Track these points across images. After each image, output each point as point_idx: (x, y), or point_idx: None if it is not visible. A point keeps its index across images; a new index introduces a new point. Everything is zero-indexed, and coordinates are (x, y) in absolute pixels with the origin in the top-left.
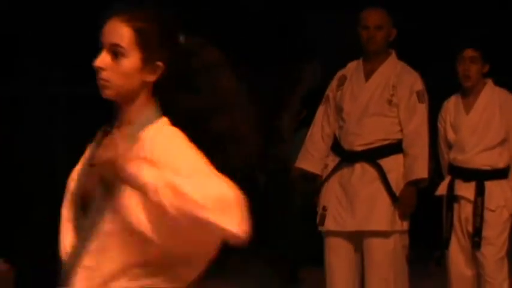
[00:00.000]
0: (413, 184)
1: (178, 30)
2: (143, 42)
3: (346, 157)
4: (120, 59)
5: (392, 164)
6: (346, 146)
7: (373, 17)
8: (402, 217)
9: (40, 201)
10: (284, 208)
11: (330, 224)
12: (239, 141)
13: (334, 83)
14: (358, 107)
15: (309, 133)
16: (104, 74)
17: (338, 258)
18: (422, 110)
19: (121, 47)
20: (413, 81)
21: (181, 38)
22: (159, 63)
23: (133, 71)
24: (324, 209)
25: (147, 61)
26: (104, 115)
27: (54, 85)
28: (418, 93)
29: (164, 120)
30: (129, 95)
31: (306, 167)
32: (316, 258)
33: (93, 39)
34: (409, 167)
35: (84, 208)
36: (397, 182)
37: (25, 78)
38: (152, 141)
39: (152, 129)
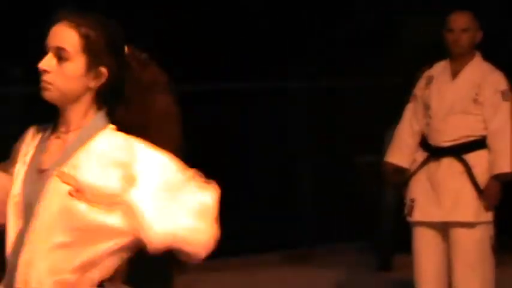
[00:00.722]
0: (497, 178)
1: (123, 39)
2: (88, 47)
3: (433, 152)
4: (65, 62)
5: (477, 159)
6: (432, 142)
7: (459, 20)
8: (487, 209)
9: None
10: (377, 199)
11: (417, 215)
12: None
13: (421, 82)
14: (444, 105)
15: (397, 129)
16: (47, 77)
17: (425, 247)
18: (506, 107)
19: (66, 51)
20: (497, 80)
21: (126, 49)
22: (103, 70)
23: (77, 76)
24: (412, 200)
25: (91, 67)
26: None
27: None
28: (502, 92)
29: (111, 128)
30: (71, 99)
31: (395, 161)
32: (409, 245)
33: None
34: (493, 161)
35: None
36: (482, 176)
37: None
38: (109, 150)
39: (102, 137)
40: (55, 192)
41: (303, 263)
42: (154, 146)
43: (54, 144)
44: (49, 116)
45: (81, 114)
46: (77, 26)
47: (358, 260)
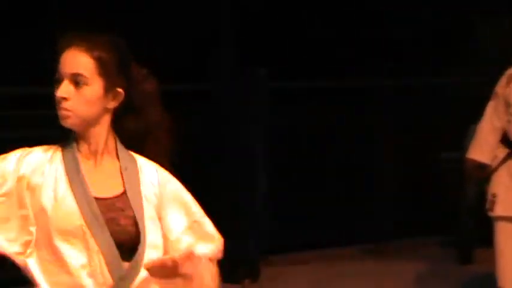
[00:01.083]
0: None
1: (131, 56)
2: (104, 70)
3: None
4: (83, 87)
5: None
6: None
7: None
8: None
9: None
10: (459, 194)
11: (499, 210)
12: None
13: (503, 80)
14: None
15: (479, 127)
16: (66, 104)
17: (507, 241)
18: None
19: (83, 76)
20: None
21: (132, 66)
22: (120, 90)
23: (96, 99)
24: (494, 195)
25: (108, 88)
26: None
27: None
28: None
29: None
30: (92, 122)
31: (476, 157)
32: (490, 240)
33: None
34: None
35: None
36: None
37: None
38: (150, 171)
39: (136, 157)
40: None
41: (384, 256)
42: (151, 152)
43: (90, 169)
44: None
45: (105, 134)
46: (89, 50)
47: (440, 254)
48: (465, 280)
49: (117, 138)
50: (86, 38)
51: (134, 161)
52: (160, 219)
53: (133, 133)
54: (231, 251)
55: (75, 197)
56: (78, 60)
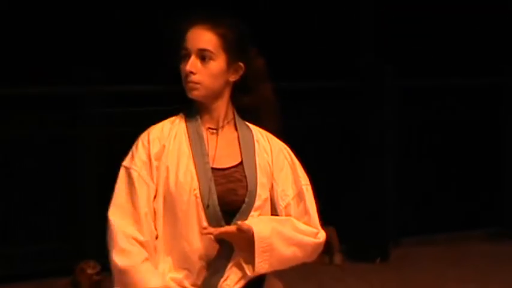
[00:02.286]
0: None
1: (250, 36)
2: (227, 45)
3: None
4: (209, 62)
5: None
6: None
7: None
8: None
9: None
10: None
11: None
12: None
13: None
14: None
15: None
16: (194, 77)
17: None
18: None
19: (209, 51)
20: None
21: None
22: (241, 64)
23: (221, 72)
24: None
25: (230, 63)
26: None
27: None
28: None
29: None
30: (215, 95)
31: None
32: None
33: None
34: None
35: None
36: None
37: None
38: (266, 143)
39: (252, 129)
40: (263, 186)
41: (506, 239)
42: (264, 127)
43: (212, 141)
44: None
45: (225, 108)
46: (213, 28)
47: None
48: None
49: (235, 110)
50: (210, 18)
51: (250, 132)
52: (271, 187)
53: (247, 106)
54: (364, 233)
55: (196, 170)
56: (204, 37)
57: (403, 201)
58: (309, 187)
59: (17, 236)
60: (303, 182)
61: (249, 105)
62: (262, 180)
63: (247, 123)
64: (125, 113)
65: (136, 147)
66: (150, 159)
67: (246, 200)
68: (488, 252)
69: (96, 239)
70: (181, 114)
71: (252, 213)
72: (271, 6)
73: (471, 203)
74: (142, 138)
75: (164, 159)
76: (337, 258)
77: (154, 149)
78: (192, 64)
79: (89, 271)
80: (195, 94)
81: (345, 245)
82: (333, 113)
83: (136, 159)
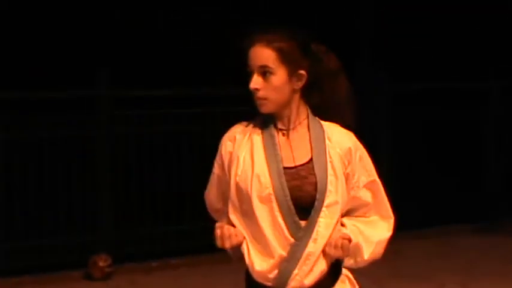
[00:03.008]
0: None
1: (310, 41)
2: (285, 58)
3: None
4: (270, 77)
5: None
6: None
7: None
8: None
9: None
10: None
11: None
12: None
13: None
14: None
15: None
16: (260, 94)
17: None
18: None
19: (269, 67)
20: None
21: (313, 46)
22: (302, 72)
23: (283, 84)
24: None
25: (292, 73)
26: None
27: None
28: None
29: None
30: (284, 104)
31: None
32: None
33: None
34: None
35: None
36: None
37: None
38: (338, 139)
39: (325, 126)
40: (332, 183)
41: (493, 232)
42: (338, 124)
43: (283, 141)
44: None
45: (296, 110)
46: (269, 43)
47: None
48: None
49: (308, 110)
50: (266, 34)
51: (322, 130)
52: (346, 180)
53: (319, 105)
54: None
55: (269, 169)
56: (262, 54)
57: (396, 198)
58: (377, 179)
59: (35, 231)
60: (373, 174)
61: (320, 104)
62: (332, 177)
63: (321, 121)
64: (138, 115)
65: (219, 149)
66: (223, 160)
67: (318, 196)
68: (475, 245)
69: (108, 234)
70: (257, 118)
71: (323, 209)
72: (268, 15)
73: (459, 200)
74: (224, 140)
75: (239, 158)
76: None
77: (228, 150)
78: (255, 81)
79: (101, 264)
80: (264, 110)
81: None
82: None
83: (218, 158)
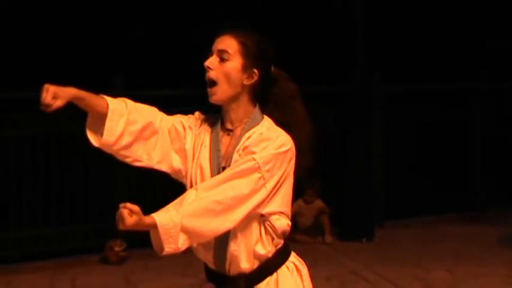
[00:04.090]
0: None
1: (272, 54)
2: (244, 52)
3: None
4: (225, 62)
5: None
6: None
7: None
8: None
9: None
10: None
11: None
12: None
13: None
14: None
15: None
16: (211, 74)
17: None
18: None
19: (228, 53)
20: None
21: (272, 68)
22: (255, 71)
23: (235, 73)
24: None
25: (246, 67)
26: None
27: None
28: None
29: (268, 120)
30: (232, 98)
31: None
32: None
33: None
34: None
35: None
36: None
37: None
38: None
39: (262, 124)
40: None
41: (478, 221)
42: (300, 136)
43: (225, 140)
44: None
45: (242, 111)
46: (236, 36)
47: None
48: None
49: (255, 115)
50: (237, 30)
51: (246, 132)
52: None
53: (281, 122)
54: (353, 217)
55: (210, 166)
56: (226, 41)
57: (387, 189)
58: (252, 162)
59: (55, 217)
60: (253, 156)
61: (282, 121)
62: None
63: (266, 123)
64: None
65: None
66: (189, 123)
67: None
68: (460, 233)
69: None
70: (211, 116)
71: None
72: (267, 16)
73: (446, 191)
74: (197, 115)
75: (193, 143)
76: (329, 238)
77: (196, 125)
78: (210, 61)
79: (116, 248)
80: (214, 99)
81: (336, 227)
82: (330, 114)
83: (189, 117)
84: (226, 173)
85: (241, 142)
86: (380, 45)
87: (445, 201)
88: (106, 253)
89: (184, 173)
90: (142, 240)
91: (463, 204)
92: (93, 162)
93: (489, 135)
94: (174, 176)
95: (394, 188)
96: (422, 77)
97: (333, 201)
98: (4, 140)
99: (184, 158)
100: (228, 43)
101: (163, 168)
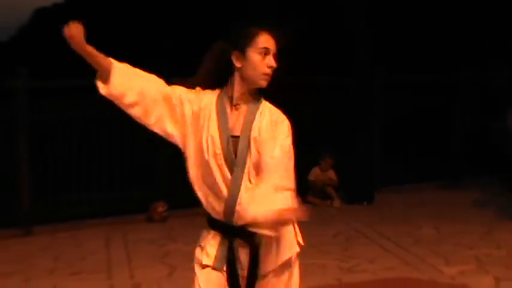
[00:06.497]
0: None
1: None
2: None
3: None
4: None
5: None
6: None
7: None
8: None
9: None
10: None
11: None
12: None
13: None
14: None
15: None
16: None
17: None
18: None
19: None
20: None
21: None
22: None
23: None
24: None
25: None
26: None
27: None
28: None
29: (265, 102)
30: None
31: None
32: None
33: None
34: None
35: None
36: None
37: None
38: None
39: (264, 108)
40: (254, 150)
41: (455, 188)
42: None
43: (234, 115)
44: None
45: (239, 88)
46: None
47: (497, 189)
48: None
49: (255, 91)
50: (272, 25)
51: (257, 109)
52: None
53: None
54: (356, 184)
55: (220, 135)
56: (274, 41)
57: (385, 161)
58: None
59: (107, 183)
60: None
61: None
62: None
63: (265, 103)
64: None
65: (197, 92)
66: (194, 97)
67: (238, 158)
68: (442, 198)
69: (165, 186)
70: (213, 91)
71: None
72: (271, 11)
73: (430, 162)
74: (205, 92)
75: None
76: (337, 203)
77: (198, 100)
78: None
79: (160, 209)
80: (266, 84)
81: (342, 192)
82: (339, 101)
83: (193, 94)
84: (283, 160)
85: (256, 118)
86: (382, 41)
87: (428, 172)
88: (151, 213)
89: (179, 139)
90: (181, 202)
91: (443, 173)
92: (141, 140)
93: (467, 118)
94: (166, 138)
95: (389, 160)
96: (417, 69)
97: (341, 172)
98: (67, 121)
99: (181, 126)
100: (275, 43)
101: (156, 129)
